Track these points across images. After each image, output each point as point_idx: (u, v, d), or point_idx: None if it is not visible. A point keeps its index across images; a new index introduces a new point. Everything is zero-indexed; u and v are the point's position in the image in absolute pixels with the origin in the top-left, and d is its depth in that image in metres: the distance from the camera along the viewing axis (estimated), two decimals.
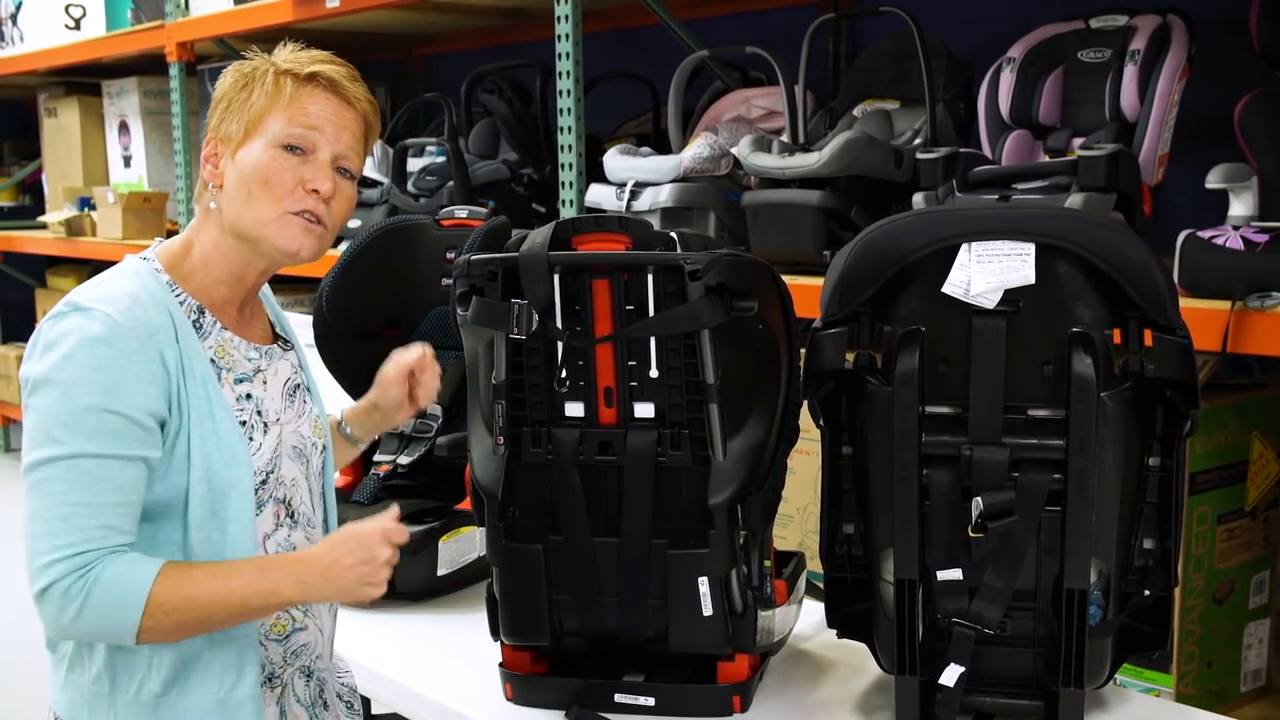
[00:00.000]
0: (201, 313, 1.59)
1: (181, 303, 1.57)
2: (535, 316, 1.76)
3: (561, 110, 3.25)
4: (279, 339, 1.73)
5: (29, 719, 3.60)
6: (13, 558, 5.39)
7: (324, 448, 1.75)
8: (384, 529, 1.54)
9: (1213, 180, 2.26)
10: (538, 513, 1.87)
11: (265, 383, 1.64)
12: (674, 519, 1.82)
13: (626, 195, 3.00)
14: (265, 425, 1.62)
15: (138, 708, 1.53)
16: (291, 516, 1.66)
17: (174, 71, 4.88)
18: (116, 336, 1.47)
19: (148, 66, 5.50)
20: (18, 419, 6.64)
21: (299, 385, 1.72)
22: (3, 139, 7.67)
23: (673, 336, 1.77)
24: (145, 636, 1.46)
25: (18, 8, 5.96)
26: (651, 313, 1.76)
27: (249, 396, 1.61)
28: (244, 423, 1.59)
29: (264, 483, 1.60)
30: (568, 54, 3.22)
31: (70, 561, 1.42)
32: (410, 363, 1.88)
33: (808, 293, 2.17)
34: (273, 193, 1.56)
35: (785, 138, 2.97)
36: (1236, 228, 2.19)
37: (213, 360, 1.58)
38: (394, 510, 1.58)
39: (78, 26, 5.50)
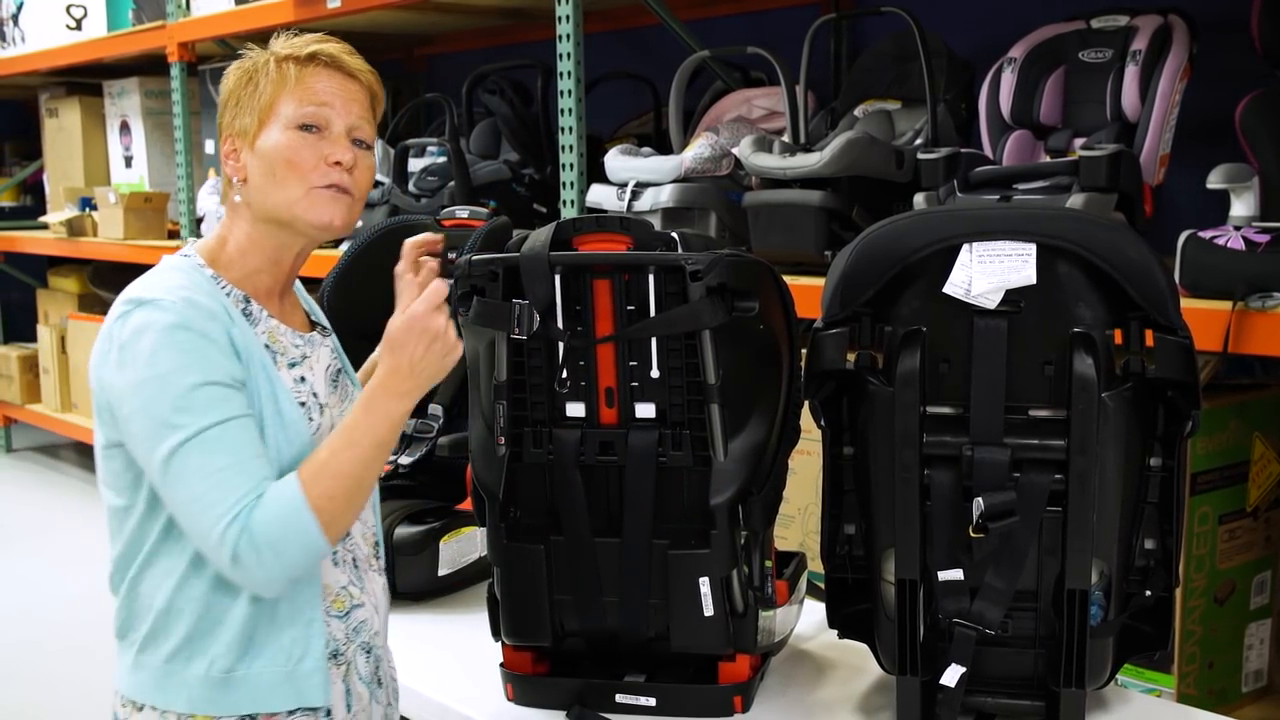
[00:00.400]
0: (248, 301, 1.63)
1: (228, 294, 1.61)
2: (536, 317, 1.76)
3: (562, 110, 3.25)
4: (315, 326, 1.76)
5: (31, 718, 3.60)
6: (13, 558, 5.40)
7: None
8: (424, 306, 1.57)
9: (1214, 180, 2.26)
10: (539, 513, 1.87)
11: (311, 368, 1.69)
12: (675, 519, 1.82)
13: (627, 195, 3.00)
14: (321, 407, 1.66)
15: (209, 683, 1.56)
16: None
17: (175, 72, 4.89)
18: (190, 319, 1.52)
19: (149, 67, 5.50)
20: (18, 419, 6.65)
21: (339, 370, 1.75)
22: (4, 139, 7.68)
23: (674, 337, 1.77)
24: (331, 531, 1.51)
25: (19, 8, 5.96)
26: (652, 313, 1.76)
27: (303, 380, 1.66)
28: (303, 404, 1.63)
29: None
30: (569, 54, 3.22)
31: (236, 522, 1.47)
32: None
33: (809, 293, 2.18)
34: (297, 172, 1.60)
35: (786, 138, 2.97)
36: (1238, 228, 2.19)
37: (266, 346, 1.62)
38: (432, 286, 1.58)
39: (79, 27, 5.51)
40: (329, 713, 1.63)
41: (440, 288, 1.59)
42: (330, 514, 1.51)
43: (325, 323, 1.80)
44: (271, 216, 1.62)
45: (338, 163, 1.61)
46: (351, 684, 1.68)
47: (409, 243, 1.71)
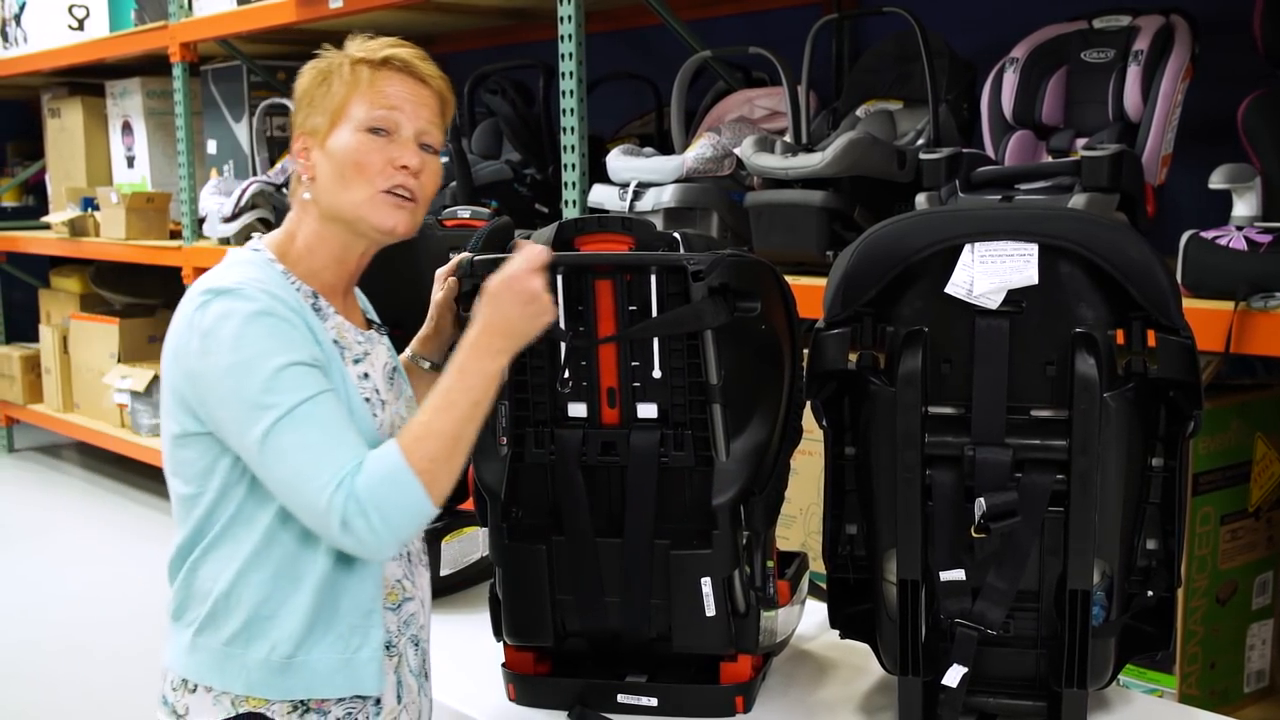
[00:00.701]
0: (316, 297, 1.66)
1: (298, 289, 1.64)
2: None
3: (564, 110, 3.25)
4: (372, 324, 1.79)
5: (31, 718, 3.61)
6: (14, 558, 5.39)
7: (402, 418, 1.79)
8: (524, 267, 1.61)
9: (1216, 181, 2.26)
10: (541, 513, 1.87)
11: (372, 365, 1.71)
12: (677, 519, 1.82)
13: (629, 195, 3.00)
14: (382, 403, 1.69)
15: (268, 668, 1.58)
16: None
17: (177, 72, 4.89)
18: (273, 306, 1.56)
19: (151, 67, 5.51)
20: (19, 419, 6.65)
21: (394, 369, 1.77)
22: (6, 139, 7.68)
23: (676, 337, 1.77)
24: (434, 491, 1.54)
25: (21, 8, 5.97)
26: (654, 313, 1.76)
27: (366, 376, 1.68)
28: (367, 400, 1.66)
29: None
30: (571, 54, 3.22)
31: (341, 489, 1.50)
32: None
33: (810, 293, 2.17)
34: (365, 174, 1.63)
35: (788, 138, 2.97)
36: (1240, 228, 2.18)
37: (335, 341, 1.65)
38: (530, 248, 1.64)
39: (81, 27, 5.51)
40: (378, 701, 1.65)
41: (540, 251, 1.63)
42: (433, 474, 1.54)
43: (379, 321, 1.83)
44: (337, 216, 1.66)
45: (404, 167, 1.65)
46: (403, 675, 1.71)
47: (452, 285, 1.85)
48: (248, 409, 1.52)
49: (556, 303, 1.77)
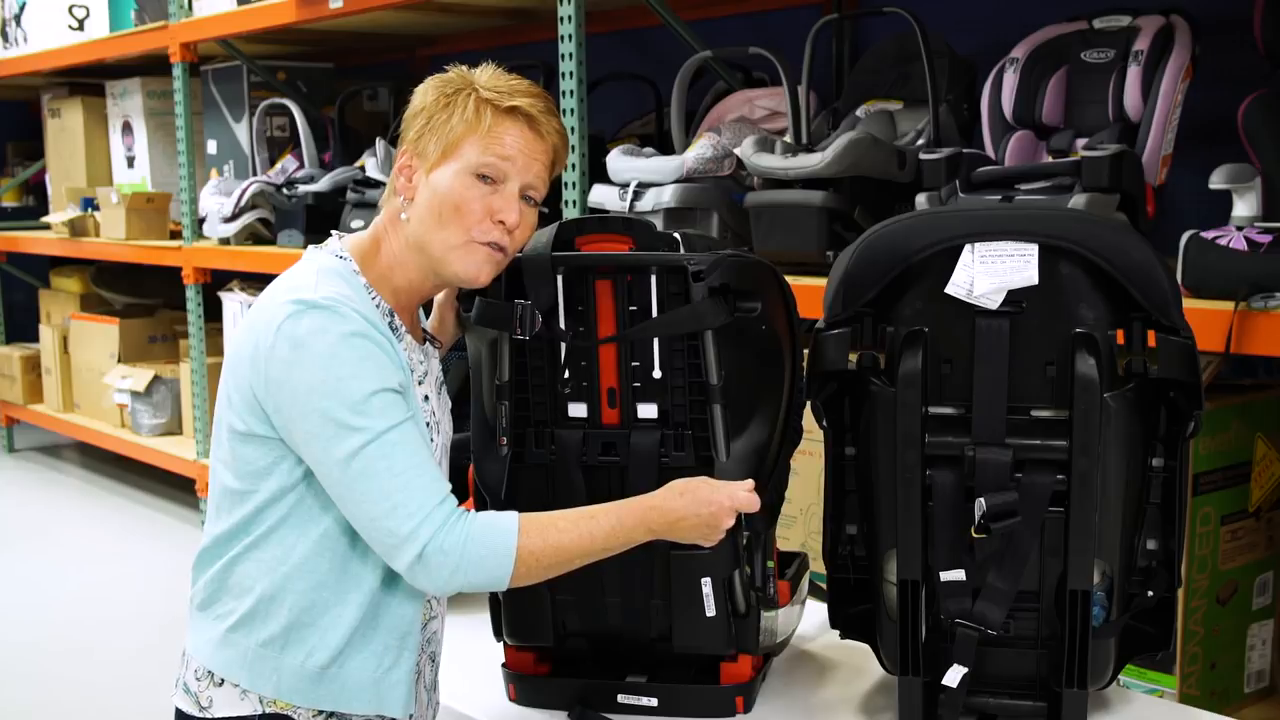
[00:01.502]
0: (392, 315, 1.66)
1: (377, 305, 1.64)
2: (539, 317, 1.76)
3: (565, 111, 3.25)
4: (427, 337, 1.80)
5: (31, 719, 3.61)
6: (14, 558, 5.38)
7: (448, 436, 1.81)
8: (734, 499, 1.64)
9: (1216, 181, 2.26)
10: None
11: (430, 385, 1.73)
12: None
13: (630, 196, 3.00)
14: (438, 425, 1.72)
15: (301, 675, 1.60)
16: None
17: (177, 72, 4.89)
18: (368, 328, 1.56)
19: (151, 67, 5.51)
20: (20, 419, 6.65)
21: (442, 382, 1.79)
22: (6, 139, 7.68)
23: (676, 337, 1.77)
24: (515, 582, 1.57)
25: (21, 8, 5.97)
26: (655, 313, 1.76)
27: (426, 399, 1.70)
28: (428, 424, 1.67)
29: None
30: (571, 54, 3.22)
31: (431, 519, 1.53)
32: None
33: (811, 293, 2.18)
34: (463, 220, 1.63)
35: (788, 138, 2.97)
36: (1240, 228, 2.18)
37: (406, 364, 1.65)
38: (749, 483, 1.67)
39: (81, 27, 5.51)
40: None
41: (755, 503, 1.66)
42: (525, 569, 1.57)
43: (431, 333, 1.83)
44: (423, 249, 1.65)
45: (501, 221, 1.64)
46: (418, 692, 1.72)
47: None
48: (335, 428, 1.52)
49: (558, 304, 1.77)
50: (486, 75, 1.67)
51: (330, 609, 1.60)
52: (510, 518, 1.58)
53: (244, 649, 1.60)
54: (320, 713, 1.61)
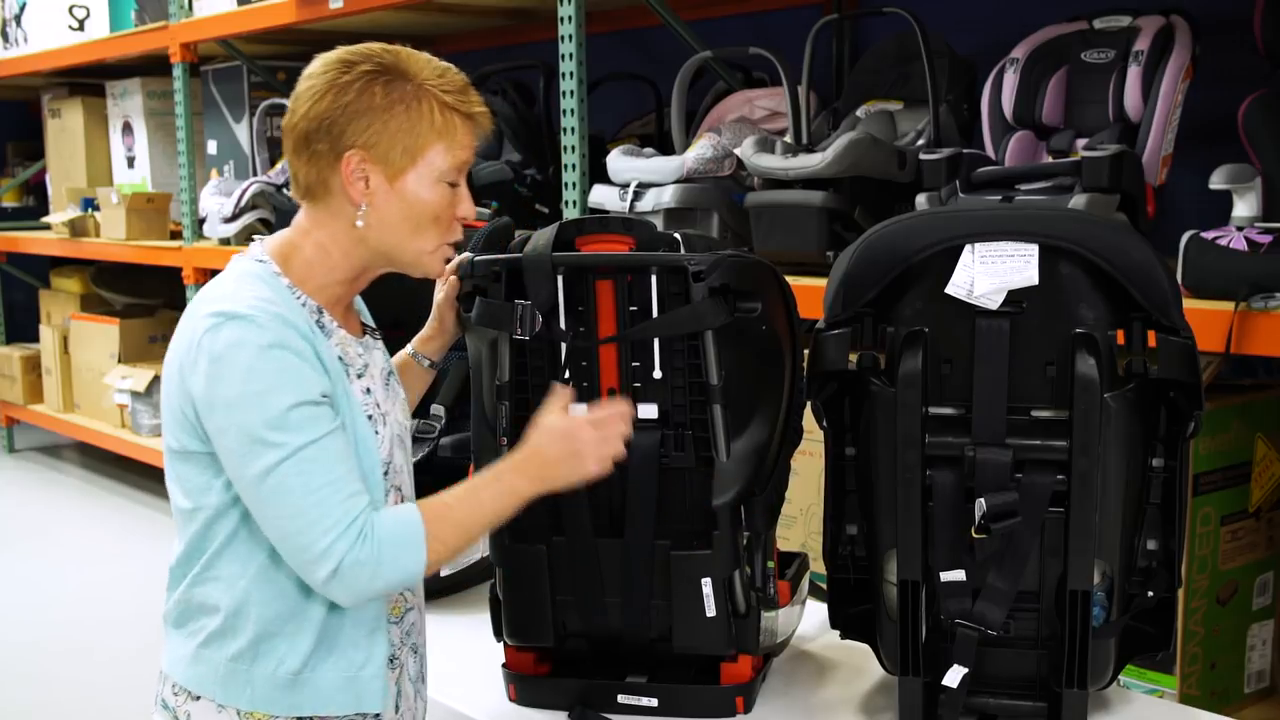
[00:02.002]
0: (321, 313, 1.63)
1: (303, 305, 1.61)
2: (539, 317, 1.76)
3: (565, 111, 3.25)
4: (366, 329, 1.77)
5: (31, 719, 3.61)
6: (14, 558, 5.37)
7: (404, 426, 1.79)
8: (581, 423, 1.63)
9: (1216, 181, 2.26)
10: (541, 513, 1.86)
11: (372, 376, 1.70)
12: (677, 520, 1.82)
13: (630, 196, 3.00)
14: (383, 417, 1.68)
15: (274, 684, 1.59)
16: (402, 501, 1.72)
17: (177, 72, 4.89)
18: (285, 338, 1.53)
19: (151, 67, 5.51)
20: (20, 419, 6.65)
21: (390, 372, 1.77)
22: (7, 140, 7.68)
23: (676, 337, 1.77)
24: (427, 571, 1.57)
25: (22, 8, 5.97)
26: (655, 314, 1.76)
27: (368, 391, 1.67)
28: (370, 417, 1.65)
29: (385, 473, 1.67)
30: (571, 55, 3.22)
31: (346, 535, 1.51)
32: (457, 285, 1.90)
33: (811, 293, 2.17)
34: (439, 228, 1.63)
35: (788, 138, 2.97)
36: (1240, 229, 2.18)
37: (339, 358, 1.63)
38: (620, 406, 1.68)
39: (81, 27, 5.51)
40: (378, 716, 1.66)
41: (621, 416, 1.65)
42: (436, 556, 1.56)
43: (373, 324, 1.82)
44: (390, 254, 1.64)
45: (463, 218, 1.65)
46: (402, 685, 1.72)
47: (454, 284, 1.86)
48: (251, 443, 1.50)
49: (558, 304, 1.77)
50: (429, 72, 1.62)
51: (294, 616, 1.58)
52: (410, 509, 1.57)
53: (215, 664, 1.59)
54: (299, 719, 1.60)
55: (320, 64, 1.61)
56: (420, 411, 2.37)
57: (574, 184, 3.27)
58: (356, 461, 1.58)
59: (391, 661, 1.68)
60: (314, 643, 1.59)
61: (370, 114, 1.57)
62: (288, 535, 1.52)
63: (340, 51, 1.62)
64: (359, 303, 1.80)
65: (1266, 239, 2.14)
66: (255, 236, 1.72)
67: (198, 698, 1.61)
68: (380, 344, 1.77)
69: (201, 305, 1.57)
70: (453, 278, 1.89)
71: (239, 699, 1.59)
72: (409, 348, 1.93)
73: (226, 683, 1.59)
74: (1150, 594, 1.79)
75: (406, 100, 1.58)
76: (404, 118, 1.58)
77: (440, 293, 1.91)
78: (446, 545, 1.57)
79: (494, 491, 1.62)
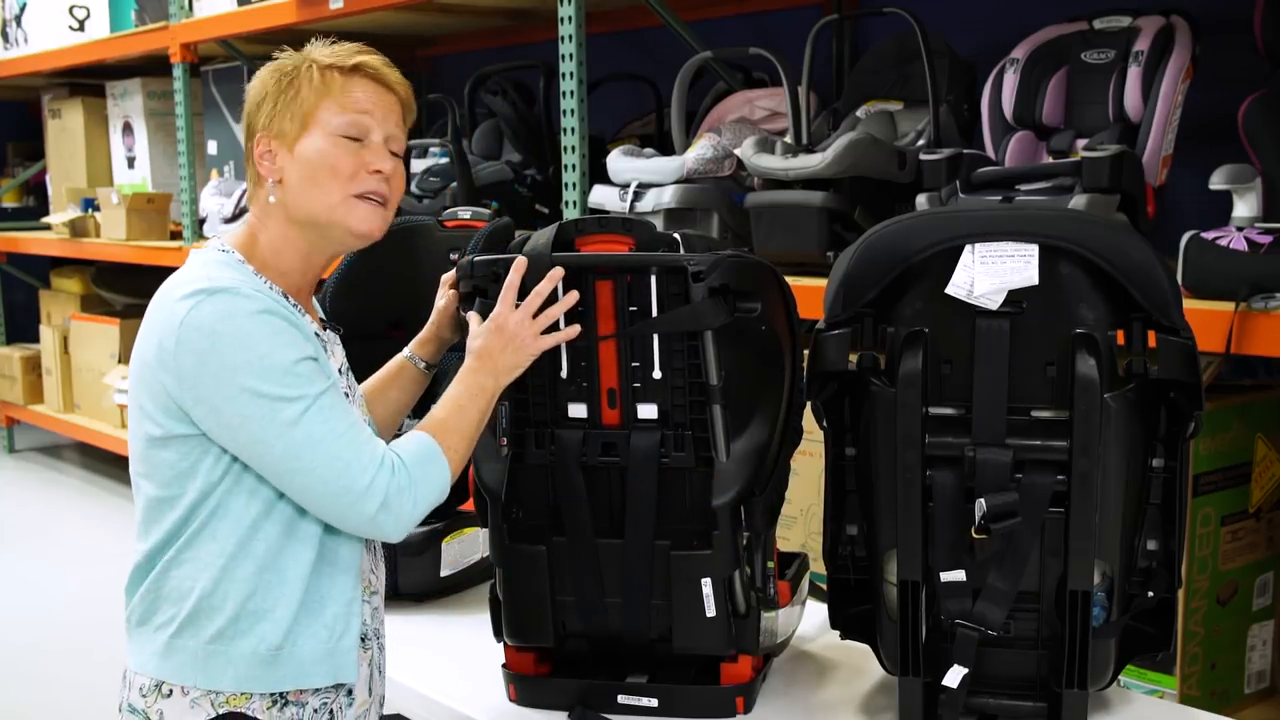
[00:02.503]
0: (286, 297, 1.66)
1: (270, 288, 1.64)
2: None
3: (565, 111, 3.25)
4: (325, 324, 1.79)
5: (32, 719, 3.61)
6: (15, 558, 5.37)
7: (368, 423, 1.80)
8: (512, 316, 1.74)
9: (1216, 181, 2.26)
10: (541, 514, 1.87)
11: (335, 365, 1.73)
12: (677, 520, 1.82)
13: (630, 196, 3.00)
14: (352, 400, 1.74)
15: (256, 661, 1.60)
16: None
17: (178, 73, 4.89)
18: (272, 305, 1.58)
19: (151, 68, 5.51)
20: (20, 419, 6.65)
21: (348, 369, 1.80)
22: (7, 140, 7.68)
23: (676, 337, 1.77)
24: (453, 476, 1.68)
25: (22, 9, 5.97)
26: (655, 314, 1.76)
27: (340, 371, 1.73)
28: (346, 394, 1.70)
29: None
30: (571, 55, 3.22)
31: (383, 468, 1.59)
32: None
33: (811, 294, 2.18)
34: (338, 179, 1.65)
35: (789, 139, 2.97)
36: (1240, 229, 2.18)
37: (316, 334, 1.67)
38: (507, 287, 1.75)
39: (82, 28, 5.51)
40: (350, 692, 1.68)
41: (511, 287, 1.74)
42: (454, 465, 1.67)
43: (328, 320, 1.82)
44: (309, 220, 1.66)
45: (377, 171, 1.67)
46: (374, 669, 1.74)
47: (453, 293, 1.90)
48: (269, 403, 1.53)
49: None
50: (319, 48, 1.71)
51: (273, 590, 1.60)
52: (416, 433, 1.67)
53: (192, 651, 1.60)
54: (275, 700, 1.60)
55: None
56: (419, 412, 2.38)
57: (574, 184, 3.27)
58: None
59: (364, 640, 1.70)
60: (294, 616, 1.61)
61: (267, 99, 1.67)
62: (327, 482, 1.56)
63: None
64: (315, 303, 1.82)
65: (1266, 239, 2.14)
66: (214, 235, 1.74)
67: (169, 694, 1.60)
68: (338, 340, 1.79)
69: (173, 290, 1.60)
70: (451, 291, 1.90)
71: (221, 681, 1.59)
72: (406, 351, 1.94)
73: (207, 666, 1.59)
74: (1150, 594, 1.79)
75: (292, 75, 1.67)
76: (291, 92, 1.66)
77: (440, 300, 1.92)
78: (457, 451, 1.68)
79: (468, 395, 1.71)
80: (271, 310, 1.57)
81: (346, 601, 1.65)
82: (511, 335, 1.73)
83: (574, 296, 1.76)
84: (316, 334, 1.67)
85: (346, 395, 1.71)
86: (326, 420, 1.56)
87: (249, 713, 1.59)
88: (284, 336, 1.56)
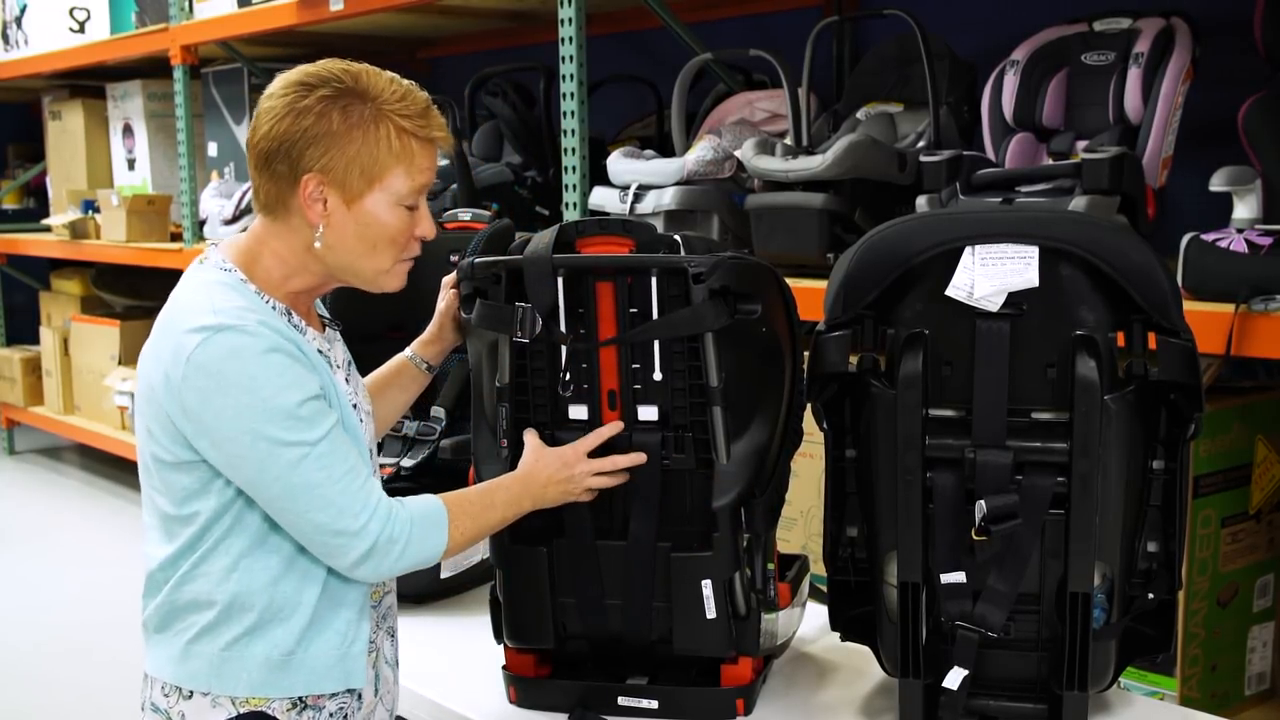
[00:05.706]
0: (289, 314, 1.65)
1: (273, 308, 1.63)
2: (539, 319, 1.76)
3: (565, 113, 3.25)
4: (325, 322, 1.78)
5: None
6: (15, 560, 5.37)
7: (369, 413, 1.81)
8: (575, 452, 1.78)
9: (1216, 183, 2.26)
10: (541, 515, 1.87)
11: (346, 370, 1.73)
12: (678, 522, 1.82)
13: (630, 198, 3.00)
14: (364, 409, 1.74)
15: (269, 666, 1.61)
16: None
17: (178, 74, 4.89)
18: (278, 342, 1.56)
19: (152, 69, 5.51)
20: (21, 420, 6.65)
21: (350, 361, 1.79)
22: (7, 142, 7.69)
23: (676, 339, 1.77)
24: (447, 554, 1.67)
25: (22, 10, 5.97)
26: (655, 315, 1.76)
27: (347, 380, 1.72)
28: (355, 405, 1.70)
29: (370, 456, 1.74)
30: (571, 57, 3.22)
31: (377, 514, 1.59)
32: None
33: (811, 295, 2.18)
34: (395, 248, 1.65)
35: (789, 140, 2.97)
36: (1240, 230, 2.18)
37: (320, 351, 1.66)
38: (606, 431, 1.80)
39: (82, 29, 5.51)
40: (359, 695, 1.69)
41: (587, 446, 1.79)
42: (453, 543, 1.66)
43: (328, 315, 1.82)
44: (349, 272, 1.66)
45: (421, 235, 1.67)
46: (380, 669, 1.74)
47: (454, 295, 1.90)
48: (269, 446, 1.53)
49: (558, 306, 1.77)
50: (386, 93, 1.60)
51: (288, 598, 1.61)
52: (434, 498, 1.66)
53: (208, 656, 1.61)
54: (294, 703, 1.62)
55: (280, 84, 1.61)
56: (420, 413, 2.38)
57: (574, 186, 3.27)
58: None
59: (369, 644, 1.70)
60: (307, 624, 1.62)
61: (328, 139, 1.57)
62: (319, 526, 1.56)
63: (299, 73, 1.61)
64: (315, 303, 1.81)
65: (1267, 241, 2.14)
66: (212, 246, 1.71)
67: (190, 695, 1.61)
68: (339, 335, 1.79)
69: (180, 319, 1.57)
70: (452, 292, 1.90)
71: (235, 686, 1.60)
72: (408, 351, 1.94)
73: (222, 671, 1.60)
74: (1151, 596, 1.79)
75: (364, 125, 1.58)
76: (361, 142, 1.58)
77: (442, 302, 1.92)
78: (464, 534, 1.67)
79: (505, 497, 1.73)
80: (278, 348, 1.55)
81: (359, 609, 1.67)
82: (570, 476, 1.77)
83: (640, 458, 1.79)
84: (320, 353, 1.66)
85: (352, 395, 1.71)
86: (325, 467, 1.55)
87: (270, 712, 1.61)
88: (289, 376, 1.55)
